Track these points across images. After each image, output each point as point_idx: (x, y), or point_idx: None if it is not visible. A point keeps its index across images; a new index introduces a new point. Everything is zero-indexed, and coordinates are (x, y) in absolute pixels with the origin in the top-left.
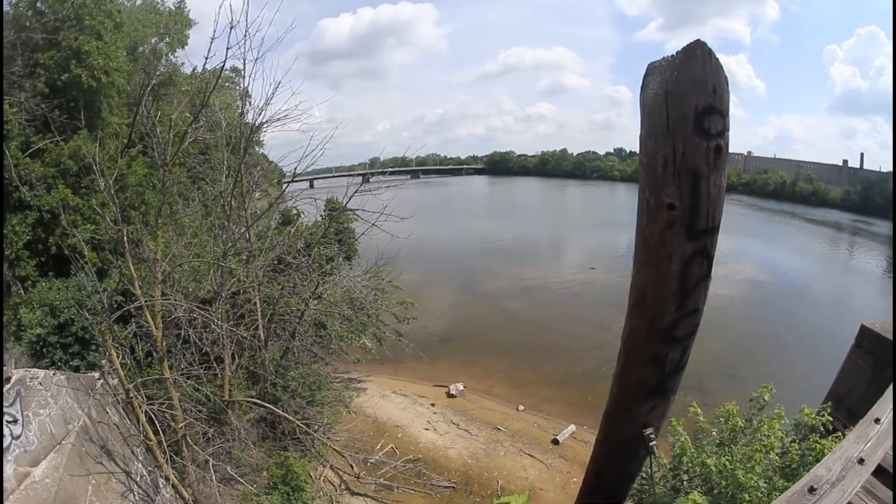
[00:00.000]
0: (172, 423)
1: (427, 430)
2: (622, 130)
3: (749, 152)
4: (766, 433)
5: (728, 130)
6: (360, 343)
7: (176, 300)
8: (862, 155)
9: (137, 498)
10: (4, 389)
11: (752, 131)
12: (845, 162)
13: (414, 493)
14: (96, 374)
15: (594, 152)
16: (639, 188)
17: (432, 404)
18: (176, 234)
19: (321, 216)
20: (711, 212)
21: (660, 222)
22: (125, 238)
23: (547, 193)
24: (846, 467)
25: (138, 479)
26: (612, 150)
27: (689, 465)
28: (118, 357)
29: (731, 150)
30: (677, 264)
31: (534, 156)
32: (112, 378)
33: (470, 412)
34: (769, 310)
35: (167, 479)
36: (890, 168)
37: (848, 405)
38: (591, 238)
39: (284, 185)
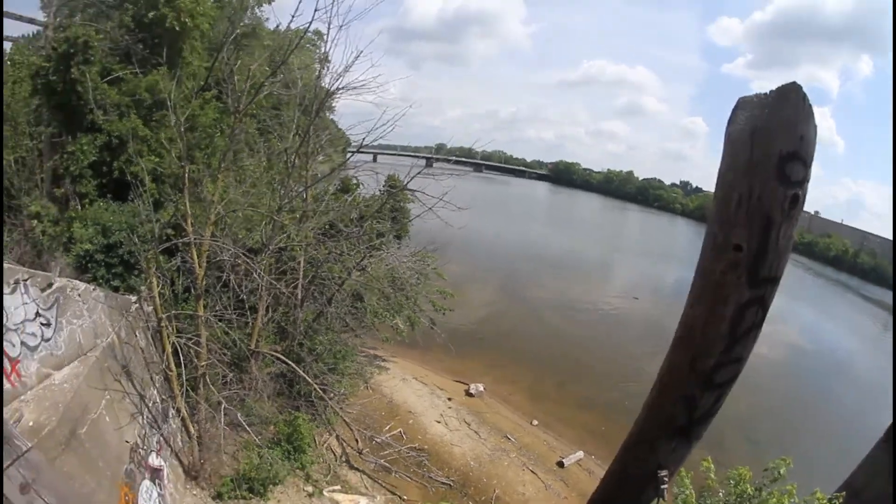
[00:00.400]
0: (195, 360)
1: (438, 422)
2: (692, 164)
3: (816, 212)
4: None
5: (808, 182)
6: (393, 323)
7: (224, 244)
8: None
9: (145, 422)
10: (44, 294)
11: (822, 191)
12: None
13: (410, 481)
14: (133, 298)
15: (660, 180)
16: (707, 222)
17: (449, 399)
18: (236, 180)
19: (379, 191)
20: (776, 262)
21: (723, 262)
22: (186, 175)
23: (606, 213)
24: None
25: (150, 405)
26: (678, 182)
27: None
28: (158, 286)
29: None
30: (732, 308)
31: (599, 172)
32: (147, 305)
33: (484, 415)
34: (805, 382)
35: (178, 411)
36: None
37: (863, 499)
38: (641, 266)
39: (349, 154)
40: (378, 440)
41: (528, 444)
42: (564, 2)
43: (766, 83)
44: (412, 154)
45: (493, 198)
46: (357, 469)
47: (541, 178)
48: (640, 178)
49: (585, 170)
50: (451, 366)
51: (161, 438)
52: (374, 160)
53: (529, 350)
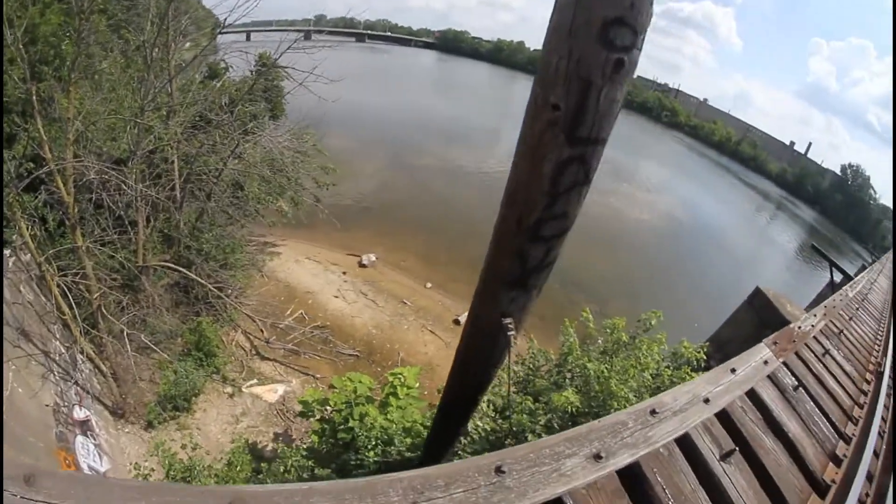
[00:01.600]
0: (87, 295)
1: (336, 297)
2: None
3: (705, 99)
4: (645, 353)
5: (638, 49)
6: (277, 206)
7: (89, 162)
8: (809, 144)
9: (57, 377)
10: None
11: (714, 83)
12: (792, 143)
13: (320, 359)
14: (7, 252)
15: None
16: (532, 83)
17: (344, 273)
18: (92, 88)
19: (250, 72)
20: (598, 124)
21: (542, 121)
22: (34, 97)
23: (494, 81)
24: (691, 402)
25: (57, 358)
26: None
27: (573, 365)
28: (28, 230)
29: (688, 93)
30: (552, 165)
31: (489, 41)
32: (24, 253)
33: (379, 283)
34: (682, 246)
35: (84, 353)
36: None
37: (725, 351)
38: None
39: (214, 36)
40: (281, 326)
41: (424, 306)
42: None
43: None
44: (289, 28)
45: (376, 68)
46: (268, 359)
47: (428, 46)
48: (532, 49)
49: (475, 38)
50: (341, 241)
51: (78, 388)
52: (248, 39)
53: (417, 216)
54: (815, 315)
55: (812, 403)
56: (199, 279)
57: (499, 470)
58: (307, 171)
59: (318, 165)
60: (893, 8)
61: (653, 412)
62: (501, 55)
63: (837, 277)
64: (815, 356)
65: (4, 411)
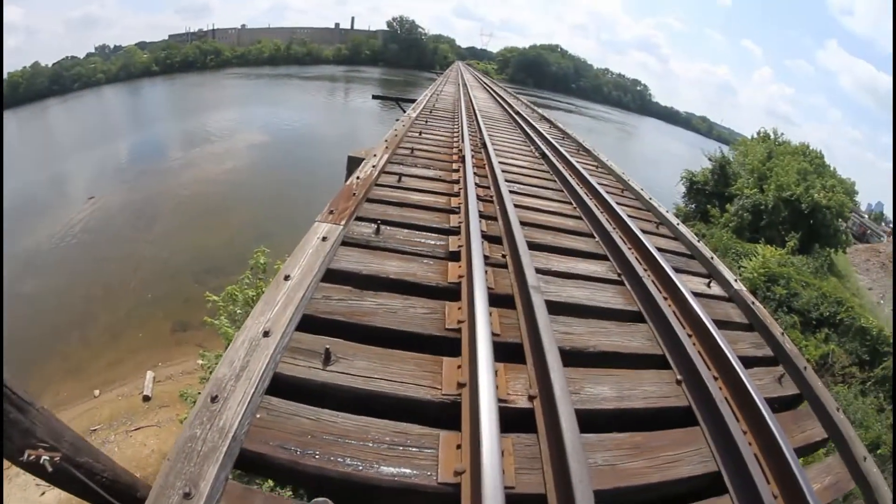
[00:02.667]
0: None
1: None
2: (106, 24)
3: (243, 25)
4: None
5: None
6: None
7: None
8: (353, 18)
9: None
10: None
11: (247, 5)
12: (337, 24)
13: None
14: None
15: (74, 57)
16: None
17: None
18: None
19: None
20: None
21: None
22: None
23: (22, 130)
24: (251, 350)
25: None
26: (94, 50)
27: None
28: None
29: (225, 28)
30: None
31: None
32: None
33: None
34: (284, 164)
35: None
36: None
37: None
38: (83, 163)
39: None
40: None
41: (109, 415)
42: None
43: None
44: None
45: None
46: None
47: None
48: (51, 66)
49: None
50: None
51: None
52: None
53: (26, 335)
54: (375, 154)
55: (406, 230)
56: None
57: None
58: None
59: None
60: (893, 8)
61: (213, 399)
62: (19, 92)
63: (408, 110)
64: (389, 187)
65: None
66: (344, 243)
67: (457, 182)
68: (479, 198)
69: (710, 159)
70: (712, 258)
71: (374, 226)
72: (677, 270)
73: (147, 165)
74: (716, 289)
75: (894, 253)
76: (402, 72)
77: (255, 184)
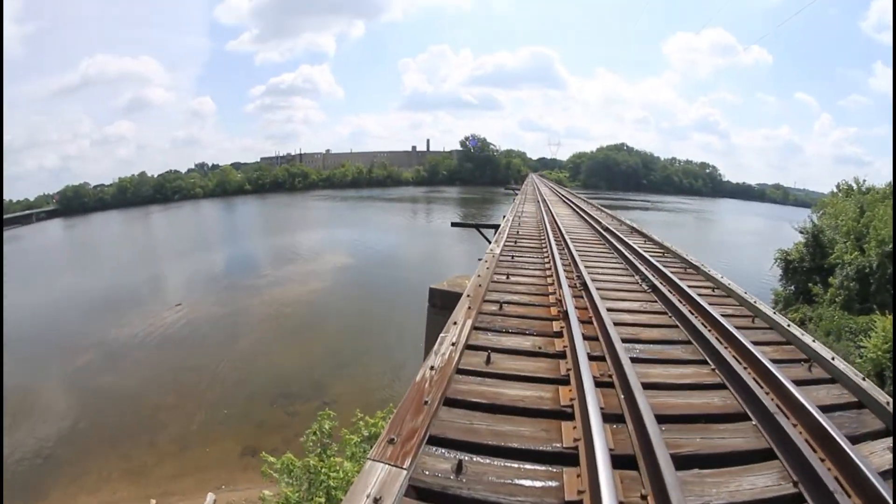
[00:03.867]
0: None
1: None
2: (205, 144)
3: (328, 150)
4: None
5: None
6: None
7: None
8: (428, 141)
9: None
10: None
11: (330, 131)
12: (413, 147)
13: None
14: None
15: (176, 171)
16: None
17: None
18: None
19: None
20: None
21: None
22: None
23: (126, 228)
24: None
25: None
26: (193, 167)
27: None
28: None
29: (312, 152)
30: None
31: (111, 185)
32: None
33: None
34: (363, 289)
35: None
36: None
37: None
38: (176, 269)
39: None
40: None
41: None
42: None
43: (270, 54)
44: None
45: None
46: None
47: (51, 215)
48: (156, 176)
49: (96, 187)
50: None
51: None
52: None
53: (98, 429)
54: (455, 321)
55: (499, 463)
56: None
57: None
58: None
59: None
60: (893, 8)
61: None
62: (127, 195)
63: (490, 235)
64: (475, 374)
65: None
66: (407, 495)
67: (562, 356)
68: (595, 382)
69: (801, 232)
70: None
71: (453, 459)
72: None
73: (234, 280)
74: None
75: (894, 254)
76: (480, 189)
77: (337, 308)
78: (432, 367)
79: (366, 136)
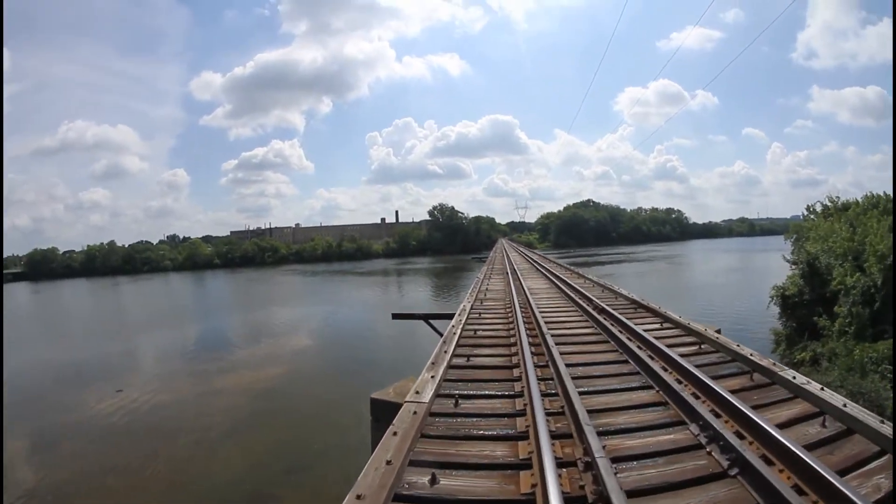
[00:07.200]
0: None
1: None
2: (178, 216)
3: (297, 224)
4: None
5: None
6: None
7: None
8: (397, 212)
9: None
10: None
11: (302, 205)
12: (383, 220)
13: None
14: None
15: (147, 242)
16: None
17: None
18: None
19: None
20: None
21: None
22: None
23: (89, 300)
24: None
25: None
26: (164, 238)
27: None
28: None
29: (282, 226)
30: None
31: (81, 251)
32: None
33: None
34: (321, 373)
35: None
36: None
37: None
38: (128, 347)
39: None
40: None
41: None
42: (51, 55)
43: (242, 129)
44: None
45: None
46: None
47: (17, 277)
48: (126, 246)
49: (65, 254)
50: None
51: None
52: None
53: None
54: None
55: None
56: None
57: None
58: None
59: None
60: (893, 9)
61: None
62: (95, 263)
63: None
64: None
65: None
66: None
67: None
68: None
69: (792, 264)
70: None
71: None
72: None
73: (186, 362)
74: None
75: (894, 254)
76: (450, 258)
77: (290, 399)
78: None
79: (337, 209)
